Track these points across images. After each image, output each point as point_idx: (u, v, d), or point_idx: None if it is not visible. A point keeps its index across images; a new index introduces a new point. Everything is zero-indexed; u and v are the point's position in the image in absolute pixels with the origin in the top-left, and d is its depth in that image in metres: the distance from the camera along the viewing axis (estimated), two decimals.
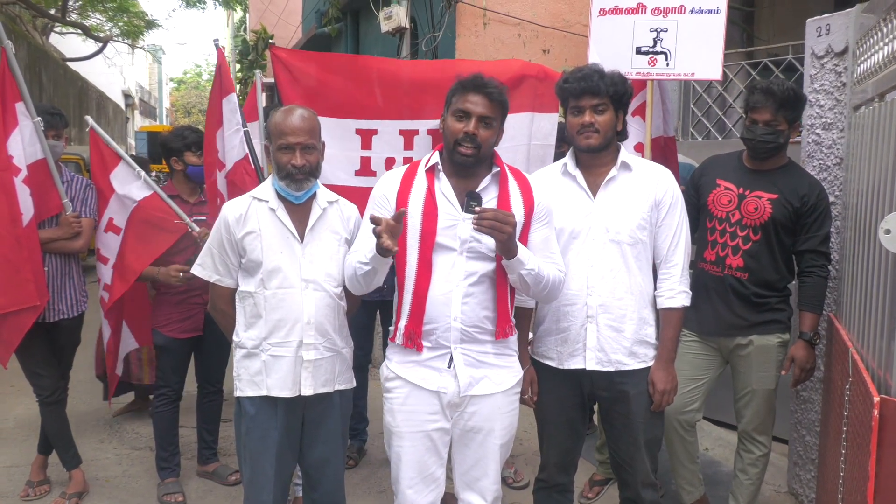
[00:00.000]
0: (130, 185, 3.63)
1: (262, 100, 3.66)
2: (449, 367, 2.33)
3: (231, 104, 3.44)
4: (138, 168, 3.63)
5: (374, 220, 2.16)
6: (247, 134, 3.46)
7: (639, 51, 3.53)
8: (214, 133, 3.49)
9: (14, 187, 3.32)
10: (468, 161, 2.31)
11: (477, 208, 2.14)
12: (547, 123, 3.62)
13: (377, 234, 2.15)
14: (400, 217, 2.18)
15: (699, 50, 3.45)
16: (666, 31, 3.48)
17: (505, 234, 2.14)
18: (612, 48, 3.56)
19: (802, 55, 3.78)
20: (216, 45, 3.63)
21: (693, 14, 3.43)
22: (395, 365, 2.40)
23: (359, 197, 3.23)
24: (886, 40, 2.60)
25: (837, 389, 2.77)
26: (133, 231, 3.60)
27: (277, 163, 2.51)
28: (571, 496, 2.78)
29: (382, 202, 2.39)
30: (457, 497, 2.48)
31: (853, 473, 2.38)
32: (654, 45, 3.51)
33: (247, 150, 3.45)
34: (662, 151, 3.65)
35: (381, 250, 2.17)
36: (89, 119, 3.69)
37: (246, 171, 3.44)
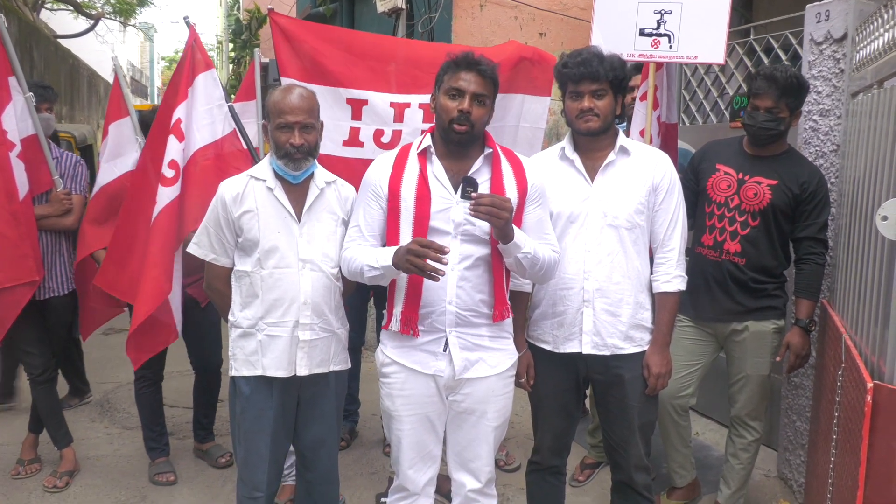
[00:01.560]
0: (122, 146, 3.61)
1: (259, 78, 3.62)
2: (444, 350, 2.33)
3: (211, 78, 3.38)
4: (140, 138, 3.60)
5: (425, 245, 2.11)
6: (231, 109, 3.41)
7: (642, 32, 3.49)
8: (172, 110, 3.32)
9: (10, 162, 3.29)
10: (462, 139, 2.29)
11: (473, 194, 2.12)
12: (538, 106, 3.60)
13: (420, 263, 2.10)
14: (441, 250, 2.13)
15: (703, 33, 3.42)
16: (670, 12, 3.45)
17: (502, 220, 2.13)
18: (614, 29, 3.52)
19: (792, 31, 3.78)
20: (187, 23, 3.55)
21: None
22: (391, 350, 2.40)
23: (345, 167, 3.19)
24: (886, 27, 2.60)
25: (830, 375, 2.78)
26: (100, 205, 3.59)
27: (276, 142, 2.49)
28: (564, 479, 2.80)
29: (376, 189, 2.38)
30: (450, 477, 2.49)
31: (844, 458, 2.40)
32: (658, 27, 3.47)
33: (234, 126, 3.40)
34: (664, 137, 3.63)
35: (405, 267, 2.16)
36: (115, 61, 3.69)
37: (236, 147, 3.38)
